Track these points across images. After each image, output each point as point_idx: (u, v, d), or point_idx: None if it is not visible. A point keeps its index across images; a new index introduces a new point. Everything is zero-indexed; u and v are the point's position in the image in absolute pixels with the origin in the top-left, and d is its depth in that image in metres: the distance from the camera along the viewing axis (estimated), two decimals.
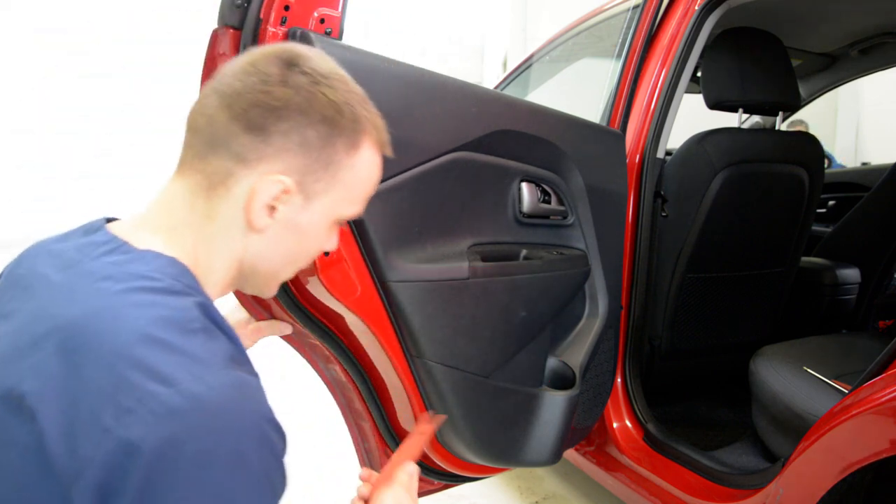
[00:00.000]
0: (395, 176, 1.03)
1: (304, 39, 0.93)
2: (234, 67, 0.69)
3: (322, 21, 0.97)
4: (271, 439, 0.61)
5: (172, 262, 0.66)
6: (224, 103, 0.67)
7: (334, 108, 0.69)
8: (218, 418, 0.56)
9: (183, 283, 0.64)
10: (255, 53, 0.70)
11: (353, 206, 0.77)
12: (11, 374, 0.58)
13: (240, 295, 1.11)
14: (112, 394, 0.54)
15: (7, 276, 0.72)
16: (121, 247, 0.66)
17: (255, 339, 1.13)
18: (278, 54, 0.69)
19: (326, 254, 0.98)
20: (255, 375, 0.64)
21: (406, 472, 0.90)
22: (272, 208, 0.69)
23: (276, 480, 0.63)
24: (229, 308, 1.15)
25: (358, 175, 0.74)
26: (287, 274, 0.79)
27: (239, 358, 0.63)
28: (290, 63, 0.69)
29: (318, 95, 0.68)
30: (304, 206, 0.71)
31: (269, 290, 0.80)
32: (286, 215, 0.71)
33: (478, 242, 1.20)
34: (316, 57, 0.71)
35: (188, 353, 0.57)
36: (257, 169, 0.68)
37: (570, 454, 1.80)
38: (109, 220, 0.73)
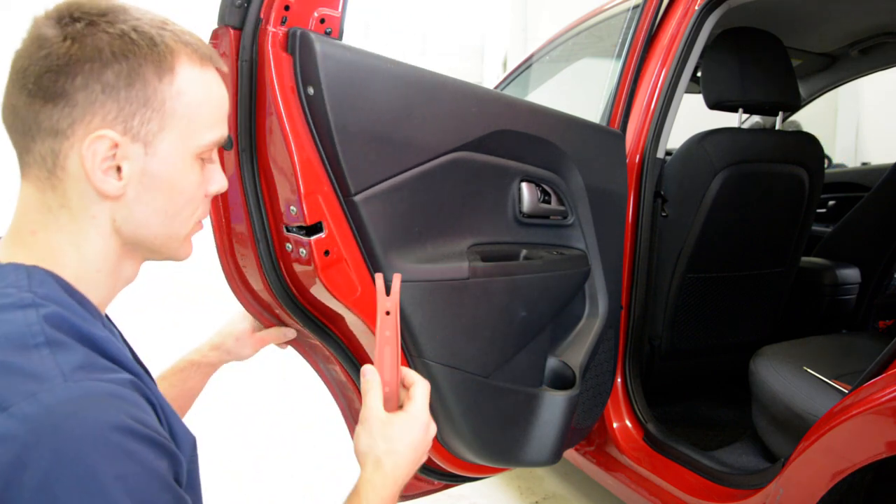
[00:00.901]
0: (395, 176, 1.03)
1: (304, 39, 0.93)
2: (18, 48, 0.65)
3: (322, 21, 0.96)
4: (126, 448, 0.54)
5: (29, 272, 0.63)
6: (17, 86, 0.63)
7: (122, 41, 0.63)
8: (56, 436, 0.51)
9: (38, 293, 0.60)
10: (31, 24, 0.65)
11: (209, 132, 0.70)
12: None
13: (243, 300, 1.11)
14: None
15: None
16: None
17: (259, 348, 1.13)
18: (50, 14, 0.64)
19: (327, 253, 0.98)
20: (118, 381, 0.59)
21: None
22: (117, 169, 0.65)
23: (143, 490, 0.55)
24: (231, 318, 1.15)
25: (189, 100, 0.67)
26: (181, 228, 0.72)
27: (95, 364, 0.59)
28: (63, 16, 0.64)
29: (100, 34, 0.63)
30: (149, 152, 0.66)
31: (180, 253, 0.74)
32: (134, 169, 0.65)
33: (478, 242, 1.20)
34: (93, 3, 0.65)
35: (23, 371, 0.54)
36: (76, 134, 0.63)
37: (570, 454, 1.80)
38: None
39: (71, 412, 0.53)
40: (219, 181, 0.75)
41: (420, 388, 0.86)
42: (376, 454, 0.80)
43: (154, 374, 0.90)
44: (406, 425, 0.82)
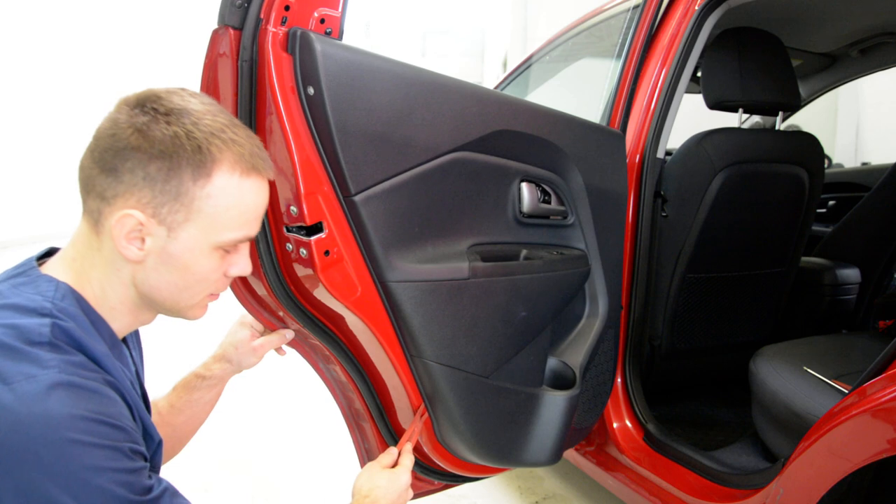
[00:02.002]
0: (395, 176, 1.03)
1: (304, 39, 0.93)
2: (104, 116, 0.78)
3: (322, 21, 0.96)
4: (96, 430, 0.68)
5: (59, 286, 0.77)
6: (89, 150, 0.77)
7: (172, 142, 0.74)
8: (45, 414, 0.65)
9: (57, 305, 0.74)
10: (119, 101, 0.78)
11: (231, 233, 0.81)
12: None
13: (243, 300, 1.11)
14: None
15: None
16: (28, 271, 0.79)
17: (262, 354, 1.14)
18: (132, 99, 0.77)
19: (327, 253, 0.98)
20: (101, 380, 0.72)
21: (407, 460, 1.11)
22: (141, 240, 0.77)
23: (106, 459, 0.68)
24: (230, 329, 1.16)
25: (218, 203, 0.78)
26: (190, 300, 0.84)
27: (86, 366, 0.72)
28: (138, 105, 0.76)
29: (155, 132, 0.74)
30: (170, 236, 0.77)
31: (188, 315, 0.86)
32: (154, 246, 0.78)
33: (478, 243, 1.20)
34: (168, 96, 0.77)
35: (27, 357, 0.67)
36: (115, 205, 0.76)
37: (570, 454, 1.80)
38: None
39: (60, 396, 0.66)
40: (241, 267, 0.86)
41: (408, 459, 1.12)
42: (365, 490, 1.02)
43: (166, 385, 1.12)
44: (394, 478, 1.05)
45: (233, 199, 0.79)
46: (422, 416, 1.21)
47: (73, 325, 0.73)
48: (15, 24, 6.35)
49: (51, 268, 0.80)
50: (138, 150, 0.74)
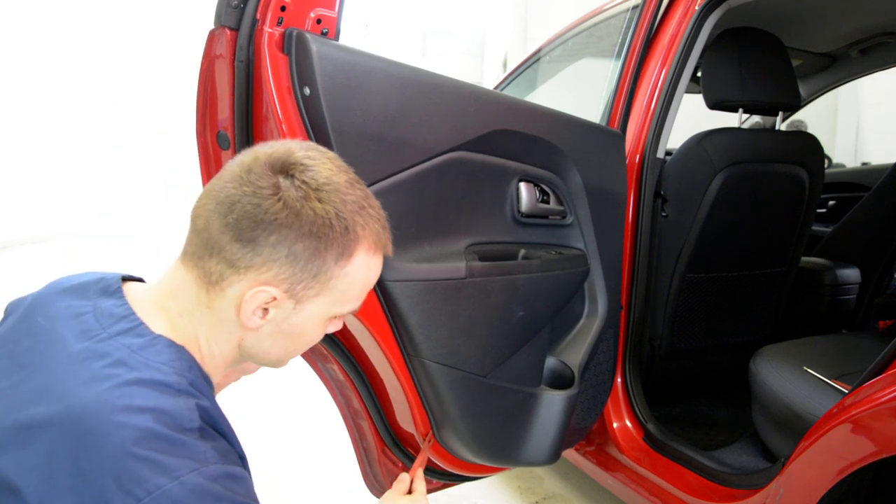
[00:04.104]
0: (392, 176, 1.03)
1: (300, 40, 0.93)
2: (231, 171, 0.72)
3: (319, 21, 0.97)
4: None
5: (181, 353, 0.71)
6: (219, 210, 0.71)
7: (323, 222, 0.71)
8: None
9: (188, 378, 0.69)
10: (251, 160, 0.72)
11: (349, 305, 0.80)
12: (5, 462, 0.62)
13: None
14: (120, 487, 0.59)
15: (24, 318, 0.75)
16: (137, 328, 0.71)
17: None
18: (272, 163, 0.71)
19: None
20: (246, 471, 0.71)
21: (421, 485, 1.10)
22: (264, 310, 0.74)
23: None
24: None
25: (351, 281, 0.77)
26: (290, 358, 0.84)
27: (230, 452, 0.70)
28: (284, 172, 0.71)
29: (307, 211, 0.70)
30: (296, 309, 0.75)
31: (278, 366, 0.85)
32: (278, 317, 0.75)
33: (476, 242, 1.20)
34: (311, 164, 0.73)
35: (187, 449, 0.63)
36: (247, 276, 0.71)
37: (570, 454, 1.79)
38: (125, 278, 0.79)
39: (224, 485, 0.65)
40: (336, 327, 0.85)
41: (422, 485, 1.12)
42: None
43: None
44: (413, 502, 1.07)
45: (363, 276, 0.78)
46: (430, 441, 1.22)
47: (208, 404, 0.70)
48: (15, 24, 6.35)
49: (152, 319, 0.73)
50: (288, 227, 0.70)
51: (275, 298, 0.73)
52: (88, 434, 0.61)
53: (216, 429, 0.69)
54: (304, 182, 0.71)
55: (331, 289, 0.75)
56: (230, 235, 0.70)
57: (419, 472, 1.14)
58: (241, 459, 0.73)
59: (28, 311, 0.76)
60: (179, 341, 0.72)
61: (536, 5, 6.78)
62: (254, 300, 0.72)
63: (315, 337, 0.82)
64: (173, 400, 0.66)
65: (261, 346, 0.78)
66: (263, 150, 0.73)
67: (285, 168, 0.71)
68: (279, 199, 0.70)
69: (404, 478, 1.12)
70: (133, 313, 0.72)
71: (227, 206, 0.70)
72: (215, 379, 0.78)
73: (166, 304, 0.75)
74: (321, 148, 0.77)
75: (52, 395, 0.64)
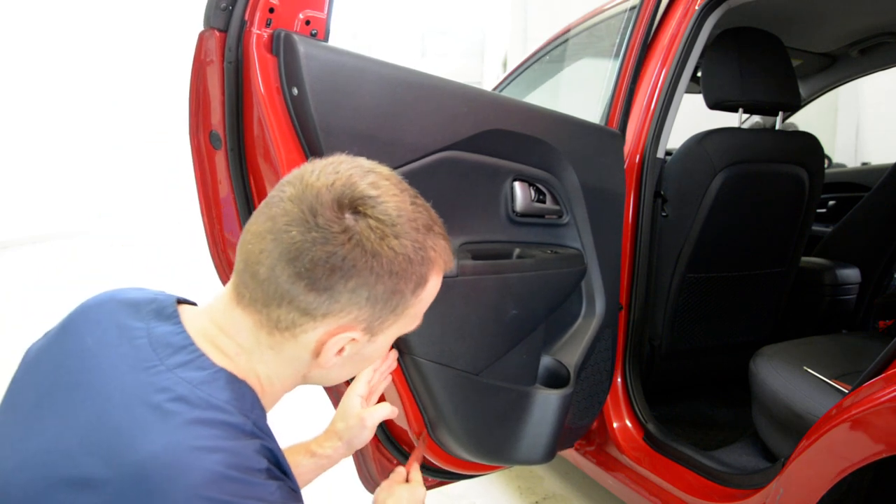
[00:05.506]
0: None
1: (288, 41, 0.94)
2: (287, 210, 0.65)
3: (308, 23, 0.97)
4: None
5: (243, 390, 0.67)
6: (285, 257, 0.65)
7: (403, 259, 0.68)
8: None
9: (252, 418, 0.65)
10: (312, 198, 0.65)
11: (416, 323, 0.78)
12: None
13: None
14: None
15: (72, 332, 0.71)
16: (197, 360, 0.66)
17: (371, 428, 1.08)
18: (338, 199, 0.65)
19: None
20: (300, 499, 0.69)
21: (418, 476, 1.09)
22: (340, 350, 0.71)
23: None
24: (343, 399, 1.11)
25: (423, 304, 0.75)
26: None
27: (295, 495, 0.67)
28: (352, 209, 0.66)
29: (386, 251, 0.66)
30: (371, 341, 0.73)
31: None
32: (352, 351, 0.72)
33: (469, 241, 1.20)
34: (378, 194, 0.67)
35: (256, 489, 0.60)
36: (324, 322, 0.68)
37: (570, 454, 1.80)
38: (179, 301, 0.74)
39: None
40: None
41: (418, 474, 1.10)
42: (390, 502, 1.02)
43: None
44: (412, 489, 1.06)
45: (432, 296, 0.76)
46: (424, 440, 1.22)
47: (273, 445, 0.67)
48: (15, 24, 6.35)
49: (211, 350, 0.68)
50: (368, 270, 0.66)
51: (354, 339, 0.70)
52: (152, 479, 0.57)
53: (280, 468, 0.67)
54: (377, 220, 0.66)
55: (405, 316, 0.73)
56: (303, 285, 0.65)
57: (415, 465, 1.13)
58: (296, 493, 0.70)
59: (75, 324, 0.71)
60: (241, 375, 0.68)
61: (536, 5, 6.78)
62: (335, 345, 0.70)
63: (379, 357, 0.81)
64: (240, 442, 0.62)
65: (328, 376, 0.77)
66: (322, 183, 0.66)
67: (353, 205, 0.66)
68: (355, 244, 0.65)
69: (400, 470, 1.11)
70: (192, 343, 0.67)
71: (295, 254, 0.64)
72: (269, 409, 0.74)
73: (219, 341, 0.69)
74: (376, 166, 0.72)
75: (109, 437, 0.59)
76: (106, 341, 0.68)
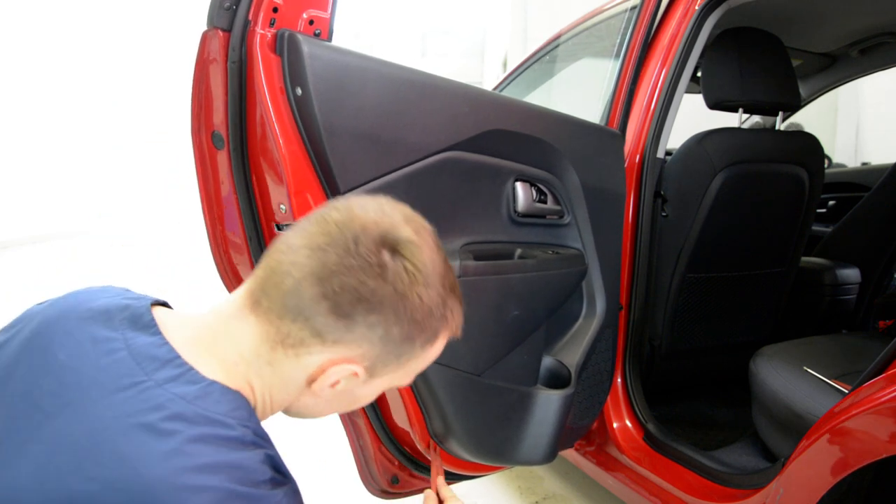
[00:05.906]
0: (384, 175, 1.03)
1: (292, 41, 0.94)
2: (330, 232, 0.66)
3: (311, 23, 0.97)
4: None
5: (238, 400, 0.66)
6: (316, 275, 0.65)
7: (426, 310, 0.69)
8: None
9: (251, 428, 0.64)
10: (359, 228, 0.66)
11: (408, 379, 0.78)
12: None
13: (226, 280, 1.12)
14: None
15: (38, 348, 0.66)
16: (186, 373, 0.63)
17: None
18: (382, 236, 0.66)
19: None
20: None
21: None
22: (335, 382, 0.71)
23: None
24: None
25: (425, 361, 0.75)
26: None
27: (297, 496, 0.68)
28: (391, 249, 0.67)
29: (413, 297, 0.67)
30: (366, 382, 0.72)
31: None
32: (346, 387, 0.72)
33: (471, 242, 1.20)
34: (419, 242, 0.69)
35: (264, 501, 0.60)
36: (332, 349, 0.68)
37: (570, 454, 1.80)
38: (154, 303, 0.71)
39: None
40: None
41: (448, 491, 1.08)
42: None
43: None
44: None
45: (433, 357, 0.76)
46: (435, 449, 1.22)
47: (274, 452, 0.66)
48: (15, 24, 6.35)
49: (200, 361, 0.65)
50: (392, 310, 0.66)
51: (355, 374, 0.70)
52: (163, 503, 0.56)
53: (281, 472, 0.66)
54: (414, 265, 0.67)
55: (404, 368, 0.74)
56: (325, 306, 0.65)
57: (440, 481, 1.12)
58: (297, 493, 0.70)
59: (42, 339, 0.66)
60: (234, 386, 0.66)
61: (536, 5, 6.78)
62: (334, 374, 0.69)
63: (366, 402, 0.80)
64: (244, 454, 0.61)
65: (315, 409, 0.76)
66: (369, 218, 0.67)
67: (394, 245, 0.67)
68: (388, 281, 0.66)
69: (430, 494, 1.08)
70: (178, 356, 0.64)
71: (327, 274, 0.64)
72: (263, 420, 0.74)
73: (219, 348, 0.67)
74: (417, 216, 0.73)
75: (109, 462, 0.57)
76: (79, 354, 0.64)
